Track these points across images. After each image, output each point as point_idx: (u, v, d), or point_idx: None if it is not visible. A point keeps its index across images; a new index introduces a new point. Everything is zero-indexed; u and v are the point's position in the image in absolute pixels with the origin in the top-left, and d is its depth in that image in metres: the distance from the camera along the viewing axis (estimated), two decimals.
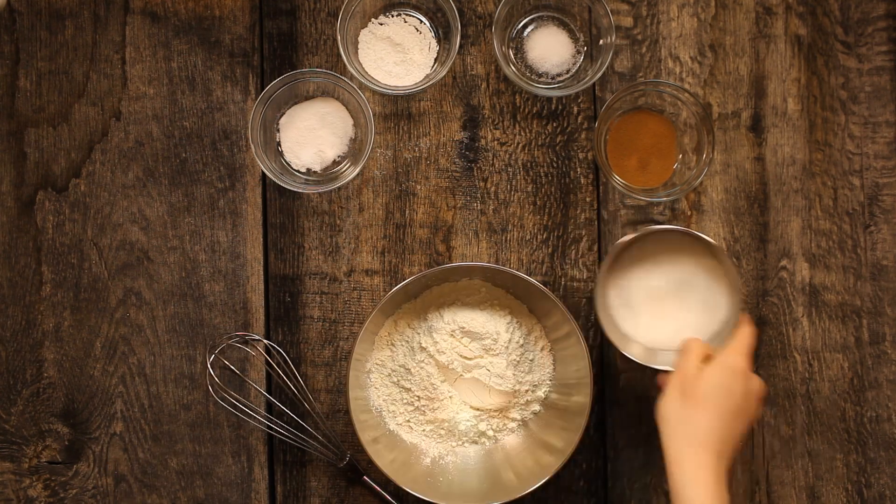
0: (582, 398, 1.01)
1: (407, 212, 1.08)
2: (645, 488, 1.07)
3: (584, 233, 1.08)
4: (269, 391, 1.07)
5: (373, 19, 1.07)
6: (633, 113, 1.06)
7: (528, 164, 1.08)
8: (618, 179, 1.05)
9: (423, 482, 1.02)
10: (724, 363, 0.93)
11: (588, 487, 1.07)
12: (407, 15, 1.07)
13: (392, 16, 1.07)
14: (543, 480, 1.00)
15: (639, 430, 1.07)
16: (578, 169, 1.08)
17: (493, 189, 1.08)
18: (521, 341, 1.04)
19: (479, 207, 1.08)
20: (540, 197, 1.08)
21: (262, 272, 1.08)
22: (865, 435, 1.07)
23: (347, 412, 1.01)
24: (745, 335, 0.96)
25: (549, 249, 1.07)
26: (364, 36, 1.07)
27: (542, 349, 1.05)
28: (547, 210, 1.08)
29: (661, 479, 1.07)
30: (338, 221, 1.08)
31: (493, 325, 1.03)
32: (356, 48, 1.07)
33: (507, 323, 1.04)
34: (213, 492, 1.07)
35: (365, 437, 1.00)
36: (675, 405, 0.92)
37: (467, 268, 1.03)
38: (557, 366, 1.05)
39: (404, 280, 1.02)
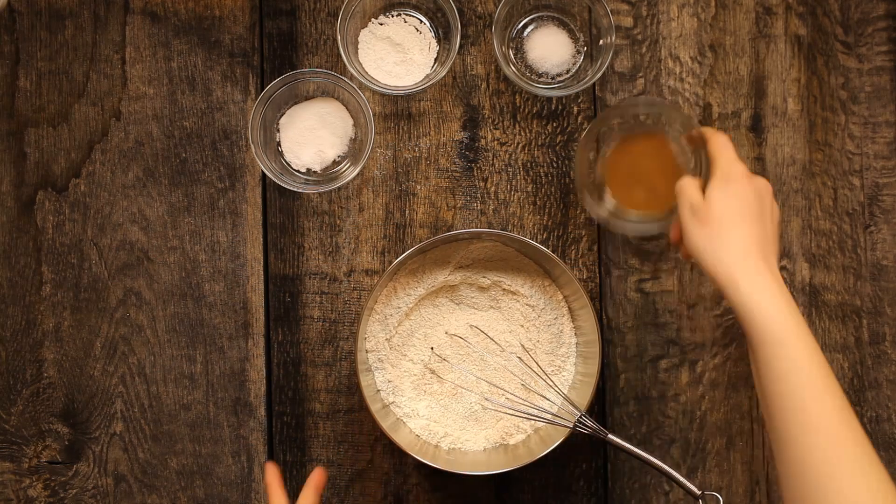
0: (590, 368, 1.01)
1: (407, 212, 1.08)
2: (645, 488, 1.07)
3: (584, 233, 1.08)
4: (269, 390, 1.07)
5: (373, 19, 1.07)
6: (622, 143, 1.04)
7: (528, 164, 1.08)
8: (633, 215, 1.02)
9: (443, 459, 1.02)
10: (722, 177, 0.90)
11: (588, 487, 1.07)
12: (407, 15, 1.07)
13: (392, 16, 1.07)
14: (552, 447, 0.99)
15: (639, 430, 1.07)
16: None
17: (493, 189, 1.08)
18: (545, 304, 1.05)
19: (479, 207, 1.08)
20: (540, 197, 1.08)
21: (262, 272, 1.08)
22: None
23: (360, 397, 1.01)
24: (720, 143, 0.93)
25: (549, 249, 1.07)
26: (364, 36, 1.07)
27: (563, 316, 1.05)
28: (547, 210, 1.08)
29: (660, 479, 1.07)
30: (338, 221, 1.08)
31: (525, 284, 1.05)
32: (356, 48, 1.07)
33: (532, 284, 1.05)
34: (213, 492, 1.07)
35: (384, 423, 1.00)
36: (701, 236, 0.89)
37: (476, 233, 1.03)
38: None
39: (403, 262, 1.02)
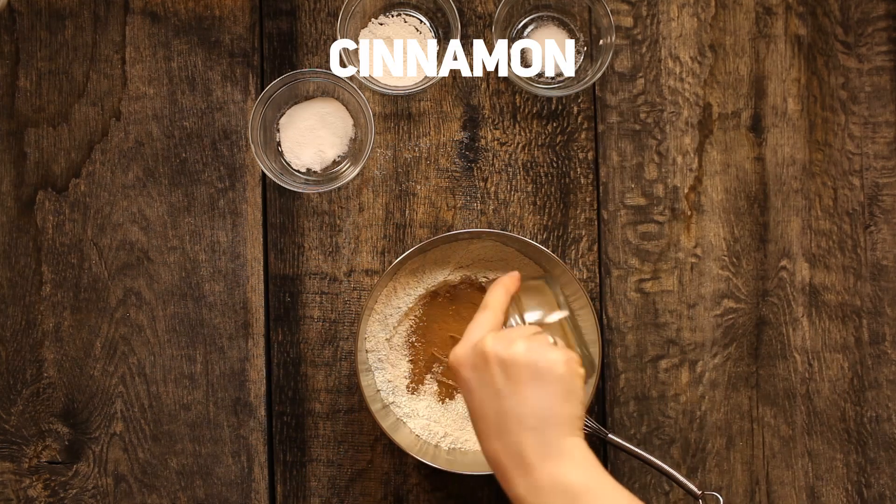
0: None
1: (407, 212, 1.08)
2: (645, 488, 1.07)
3: (584, 233, 1.08)
4: (269, 390, 1.07)
5: (373, 19, 1.07)
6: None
7: (528, 164, 1.08)
8: None
9: (443, 459, 1.02)
10: (458, 359, 0.81)
11: None
12: (407, 15, 1.07)
13: (392, 16, 1.07)
14: None
15: (639, 430, 1.07)
16: (578, 169, 1.08)
17: (493, 189, 1.08)
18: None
19: (479, 207, 1.08)
20: (540, 197, 1.08)
21: (262, 272, 1.08)
22: (865, 435, 1.07)
23: (361, 398, 1.01)
24: (487, 313, 0.84)
25: (549, 249, 1.06)
26: (364, 36, 1.07)
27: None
28: (547, 210, 1.08)
29: (660, 479, 1.07)
30: (338, 221, 1.08)
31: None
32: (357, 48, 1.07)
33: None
34: (213, 492, 1.07)
35: (384, 423, 1.00)
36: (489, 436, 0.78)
37: (476, 233, 1.03)
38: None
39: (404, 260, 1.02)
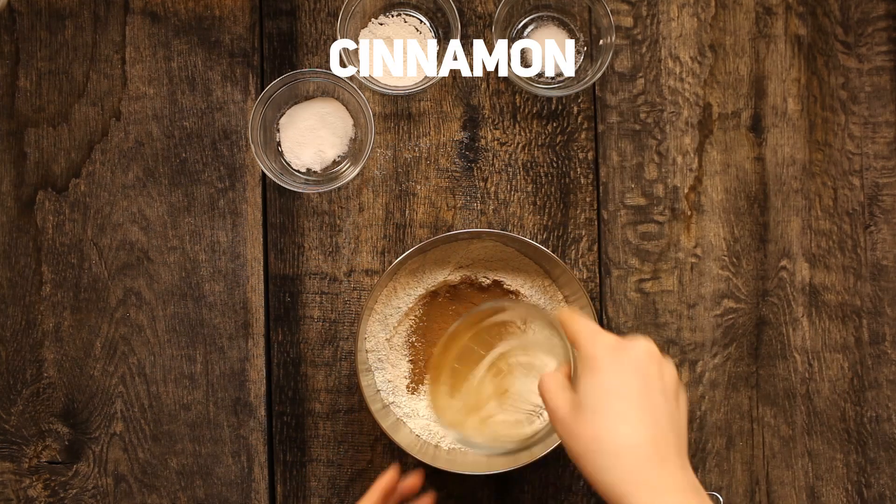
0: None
1: (407, 212, 1.08)
2: None
3: (584, 233, 1.08)
4: (269, 390, 1.07)
5: (373, 19, 1.07)
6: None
7: (528, 164, 1.08)
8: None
9: (443, 459, 1.02)
10: (586, 364, 0.73)
11: (588, 487, 1.07)
12: (407, 15, 1.07)
13: (392, 16, 1.07)
14: (550, 449, 0.99)
15: None
16: (578, 169, 1.08)
17: (493, 189, 1.08)
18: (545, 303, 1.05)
19: (479, 207, 1.08)
20: (540, 197, 1.08)
21: (262, 272, 1.08)
22: (865, 435, 1.07)
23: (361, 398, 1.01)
24: (574, 322, 0.77)
25: (549, 249, 1.06)
26: (364, 36, 1.07)
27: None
28: (547, 210, 1.08)
29: None
30: (338, 221, 1.08)
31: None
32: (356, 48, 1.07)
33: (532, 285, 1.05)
34: (213, 492, 1.07)
35: (384, 423, 1.00)
36: (577, 443, 0.72)
37: (476, 233, 1.03)
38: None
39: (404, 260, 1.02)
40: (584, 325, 0.75)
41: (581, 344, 0.75)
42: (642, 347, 0.73)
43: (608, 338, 0.75)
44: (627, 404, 0.71)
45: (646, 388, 0.72)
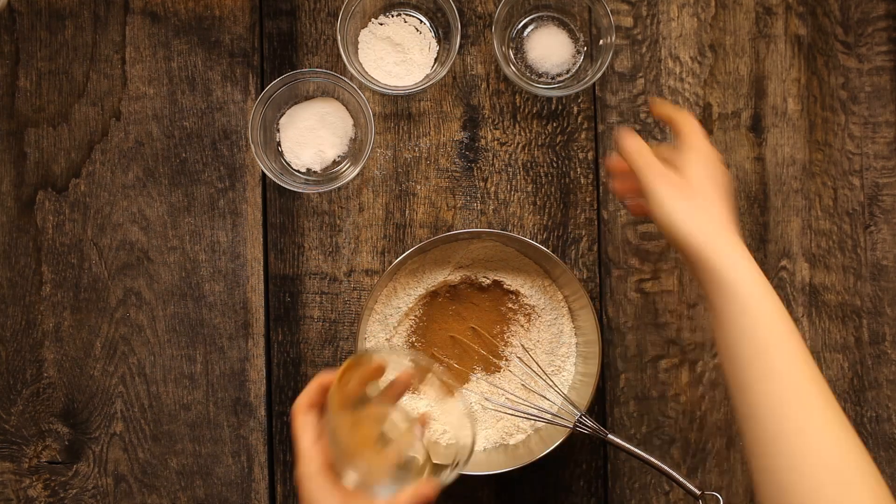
0: (590, 368, 1.01)
1: (407, 212, 1.08)
2: (645, 488, 1.07)
3: (584, 233, 1.08)
4: (269, 390, 1.07)
5: (373, 19, 1.07)
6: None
7: (528, 164, 1.08)
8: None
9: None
10: (697, 152, 0.90)
11: (588, 487, 1.07)
12: (407, 15, 1.07)
13: (392, 16, 1.07)
14: (550, 449, 0.99)
15: (639, 430, 1.07)
16: (578, 169, 1.08)
17: (493, 189, 1.08)
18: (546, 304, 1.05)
19: (479, 207, 1.08)
20: (540, 197, 1.08)
21: (262, 272, 1.08)
22: (865, 435, 1.07)
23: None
24: (689, 119, 0.92)
25: (549, 249, 1.06)
26: (364, 36, 1.07)
27: (563, 316, 1.05)
28: (547, 210, 1.08)
29: (660, 479, 1.07)
30: (338, 221, 1.08)
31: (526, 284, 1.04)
32: (356, 48, 1.07)
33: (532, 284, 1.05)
34: (213, 492, 1.07)
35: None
36: (682, 208, 0.87)
37: (476, 233, 1.03)
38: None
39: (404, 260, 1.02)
40: (696, 124, 0.92)
41: (694, 137, 0.90)
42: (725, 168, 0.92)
43: (710, 146, 0.92)
44: (721, 192, 0.89)
45: (728, 187, 0.90)
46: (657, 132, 1.08)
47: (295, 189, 1.03)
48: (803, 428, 0.77)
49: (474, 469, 1.01)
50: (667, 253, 1.08)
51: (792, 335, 0.81)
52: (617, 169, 0.96)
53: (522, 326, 1.06)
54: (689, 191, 0.88)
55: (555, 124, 1.09)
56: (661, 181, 0.88)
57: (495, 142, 1.08)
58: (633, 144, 0.90)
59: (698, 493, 0.95)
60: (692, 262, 0.86)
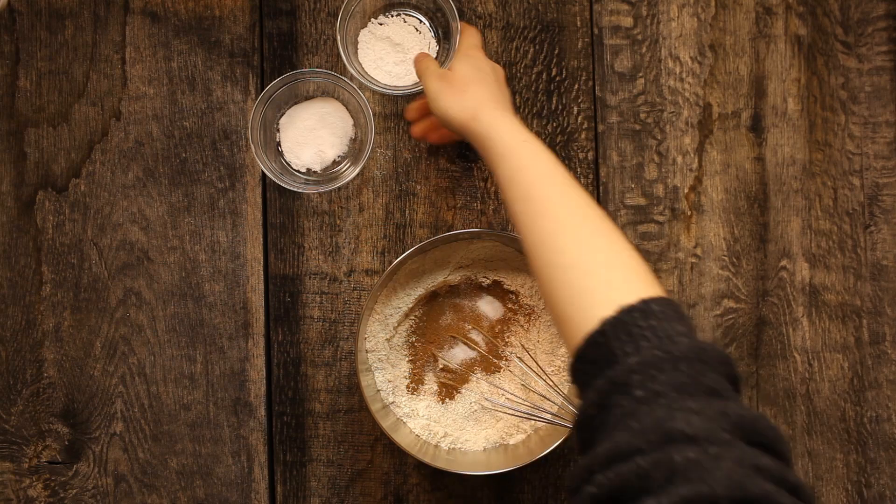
0: None
1: (407, 212, 1.08)
2: None
3: None
4: (269, 390, 1.07)
5: (373, 19, 1.07)
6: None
7: None
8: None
9: (443, 459, 1.02)
10: (463, 53, 0.99)
11: None
12: (407, 15, 1.07)
13: (392, 16, 1.07)
14: (550, 449, 0.99)
15: None
16: (578, 169, 1.08)
17: (493, 189, 1.08)
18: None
19: (479, 207, 1.08)
20: None
21: (262, 272, 1.08)
22: (865, 435, 1.07)
23: (361, 397, 1.01)
24: (469, 32, 1.01)
25: None
26: (364, 36, 1.07)
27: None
28: None
29: None
30: (338, 221, 1.08)
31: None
32: (356, 48, 1.07)
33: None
34: (213, 492, 1.07)
35: (384, 423, 1.00)
36: (448, 94, 0.95)
37: (476, 233, 1.03)
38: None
39: (403, 261, 1.02)
40: (474, 36, 1.01)
41: (464, 44, 1.00)
42: (501, 69, 1.00)
43: (482, 52, 1.00)
44: (483, 79, 0.96)
45: (496, 78, 0.98)
46: (657, 132, 1.08)
47: (295, 189, 1.02)
48: (576, 261, 0.81)
49: (474, 469, 1.01)
50: (667, 253, 1.08)
51: (553, 171, 0.87)
52: (414, 117, 1.03)
53: (522, 326, 1.06)
54: (458, 84, 0.95)
55: (555, 124, 1.09)
56: (434, 79, 0.97)
57: None
58: (420, 59, 1.00)
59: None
60: (470, 139, 0.93)
